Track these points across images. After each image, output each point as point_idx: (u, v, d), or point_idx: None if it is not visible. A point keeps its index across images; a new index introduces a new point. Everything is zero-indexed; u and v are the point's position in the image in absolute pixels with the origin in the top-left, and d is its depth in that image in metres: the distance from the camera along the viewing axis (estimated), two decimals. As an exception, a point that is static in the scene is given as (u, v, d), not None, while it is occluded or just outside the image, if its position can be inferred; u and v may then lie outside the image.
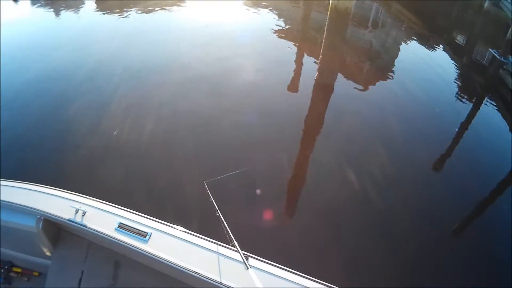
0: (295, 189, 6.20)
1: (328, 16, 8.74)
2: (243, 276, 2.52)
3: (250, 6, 16.26)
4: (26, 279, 3.74)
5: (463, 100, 9.64)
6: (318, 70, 9.00)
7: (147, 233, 2.84)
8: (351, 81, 9.75)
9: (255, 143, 6.96)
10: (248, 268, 2.42)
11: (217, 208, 2.82)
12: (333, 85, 9.07)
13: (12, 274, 3.74)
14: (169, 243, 2.79)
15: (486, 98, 10.09)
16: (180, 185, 5.97)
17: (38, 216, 3.20)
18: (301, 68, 10.25)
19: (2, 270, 3.69)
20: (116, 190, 5.77)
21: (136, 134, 7.06)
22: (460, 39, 15.07)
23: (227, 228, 2.60)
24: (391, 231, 5.40)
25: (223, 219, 2.69)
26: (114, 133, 6.98)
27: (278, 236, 5.20)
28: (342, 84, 9.52)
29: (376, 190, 6.04)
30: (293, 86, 9.18)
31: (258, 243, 4.48)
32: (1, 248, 3.75)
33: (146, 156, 6.57)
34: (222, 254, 2.68)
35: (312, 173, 6.56)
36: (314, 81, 9.18)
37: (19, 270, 3.74)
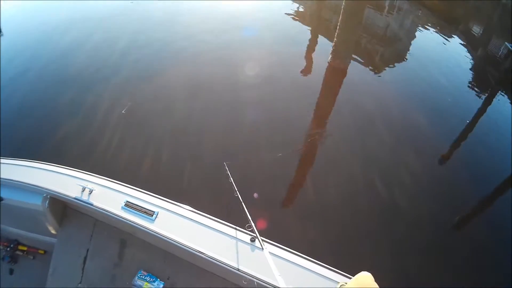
0: (310, 178, 6.15)
1: (344, -1, 8.58)
2: (252, 257, 2.54)
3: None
4: (32, 257, 3.78)
5: (476, 92, 9.57)
6: (332, 53, 8.87)
7: (154, 212, 2.83)
8: (365, 66, 9.68)
9: (262, 128, 6.90)
10: (262, 249, 2.41)
11: (236, 189, 2.80)
12: (347, 68, 8.96)
13: (18, 252, 3.78)
14: (176, 222, 2.78)
15: (499, 92, 10.02)
16: (195, 165, 5.90)
17: (45, 195, 3.22)
18: (314, 50, 10.20)
19: (8, 249, 3.73)
20: (125, 168, 5.72)
21: (147, 112, 7.00)
22: (476, 30, 14.88)
23: (245, 208, 2.59)
24: (392, 222, 5.39)
25: (241, 200, 2.68)
26: (123, 111, 6.84)
27: (293, 224, 5.17)
28: (356, 67, 9.43)
29: (383, 184, 5.98)
30: (307, 68, 9.13)
31: (273, 230, 4.47)
32: (7, 227, 3.80)
33: (157, 135, 6.48)
34: (231, 236, 2.66)
35: (327, 161, 6.50)
36: (327, 64, 9.07)
37: (25, 248, 3.77)
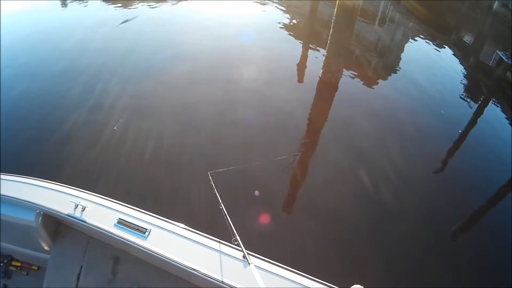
0: (298, 187, 6.20)
1: (335, 13, 8.61)
2: (243, 274, 2.54)
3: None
4: (26, 273, 3.77)
5: (469, 101, 9.63)
6: (323, 68, 8.93)
7: (147, 229, 2.84)
8: (357, 79, 9.73)
9: (255, 139, 6.97)
10: (249, 264, 2.46)
11: (220, 201, 2.84)
12: (338, 83, 9.02)
13: (11, 268, 3.77)
14: (169, 239, 2.80)
15: (491, 100, 10.07)
16: (183, 179, 5.95)
17: (38, 211, 3.21)
18: (305, 64, 10.26)
19: (2, 264, 3.72)
20: (116, 185, 5.75)
21: (137, 129, 7.03)
22: (468, 38, 15.02)
23: (230, 222, 2.62)
24: (391, 231, 5.42)
25: (226, 213, 2.72)
26: (115, 128, 6.91)
27: (281, 235, 5.19)
28: (348, 81, 9.49)
29: (377, 191, 6.05)
30: (299, 82, 9.22)
31: (261, 242, 4.61)
32: (1, 242, 3.76)
33: (147, 150, 6.53)
34: (222, 252, 2.67)
35: (316, 171, 6.55)
36: (318, 79, 9.14)
37: (18, 264, 3.77)
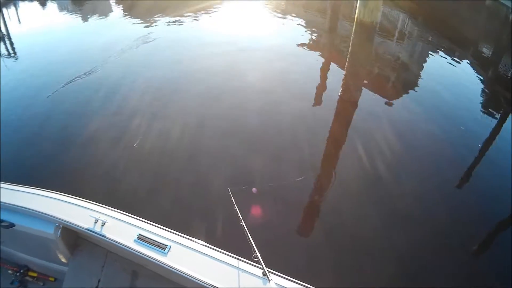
0: (318, 208, 6.40)
1: (353, 30, 8.80)
2: None
3: (275, 15, 16.63)
4: (42, 283, 3.89)
5: (488, 115, 9.70)
6: (342, 86, 9.13)
7: (167, 245, 2.86)
8: (377, 95, 9.92)
9: (276, 158, 7.21)
10: (269, 280, 2.46)
11: (241, 218, 2.89)
12: (357, 101, 9.24)
13: (27, 278, 3.89)
14: (189, 256, 2.81)
15: (511, 114, 10.11)
16: (203, 196, 6.18)
17: (57, 224, 3.28)
18: (326, 83, 10.45)
19: (18, 274, 3.85)
20: (137, 201, 6.00)
21: (158, 145, 7.38)
22: (486, 51, 15.03)
23: (251, 238, 2.64)
24: (417, 258, 5.47)
25: (246, 229, 2.75)
26: (134, 145, 7.18)
27: (300, 253, 5.32)
28: (368, 98, 9.70)
29: (397, 208, 6.22)
30: (317, 101, 9.46)
31: (280, 260, 4.73)
32: (18, 252, 3.91)
33: (168, 167, 6.85)
34: (241, 269, 2.68)
35: (336, 190, 6.71)
36: (338, 97, 9.37)
37: (35, 274, 3.89)
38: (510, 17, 16.22)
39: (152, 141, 7.48)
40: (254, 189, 5.98)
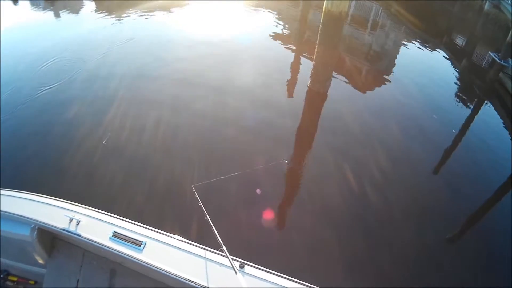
0: (287, 194, 6.19)
1: (321, 20, 8.53)
2: (234, 283, 2.54)
3: (249, 8, 16.36)
4: (22, 287, 3.75)
5: (463, 103, 9.60)
6: (311, 77, 8.88)
7: (142, 241, 2.83)
8: (349, 85, 9.68)
9: (246, 149, 6.97)
10: (236, 272, 2.48)
11: (206, 213, 2.86)
12: (327, 92, 8.97)
13: (8, 283, 3.75)
14: (164, 251, 2.79)
15: (485, 102, 10.04)
16: (172, 191, 5.96)
17: (33, 226, 3.19)
18: (297, 73, 10.19)
19: None
20: (110, 198, 5.74)
21: (126, 142, 7.07)
22: (460, 41, 15.03)
23: (216, 233, 2.67)
24: (388, 235, 5.40)
25: (212, 224, 2.75)
26: (103, 142, 6.95)
27: (270, 241, 5.24)
28: (339, 89, 9.43)
29: (374, 195, 6.02)
30: (289, 92, 9.14)
31: (250, 249, 4.70)
32: None
33: (138, 161, 6.60)
34: (216, 262, 2.68)
35: (306, 178, 6.56)
36: (307, 89, 9.10)
37: (15, 278, 3.75)
38: (484, 7, 16.17)
39: (125, 138, 7.18)
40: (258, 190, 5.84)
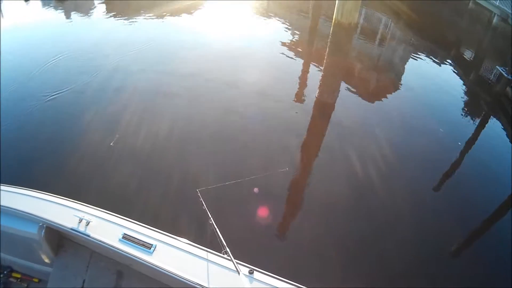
0: (292, 202, 6.31)
1: (331, 31, 8.64)
2: (240, 286, 2.57)
3: (260, 16, 16.50)
4: (26, 285, 3.76)
5: (469, 117, 9.65)
6: (319, 88, 8.96)
7: (152, 244, 2.84)
8: (356, 96, 9.77)
9: (252, 157, 7.07)
10: (239, 273, 2.53)
11: (210, 216, 2.87)
12: (334, 103, 9.06)
13: (11, 279, 3.76)
14: (174, 255, 2.80)
15: (492, 117, 10.06)
16: (180, 195, 6.05)
17: (41, 224, 3.21)
18: (306, 83, 10.29)
19: (2, 275, 3.71)
20: (121, 200, 5.81)
21: (138, 145, 7.16)
22: (467, 54, 15.02)
23: (220, 236, 2.69)
24: (390, 250, 5.42)
25: (216, 227, 2.76)
26: (111, 144, 7.05)
27: (276, 247, 5.35)
28: (346, 100, 9.52)
29: (376, 208, 6.10)
30: (297, 101, 9.26)
31: (256, 255, 4.73)
32: (1, 254, 3.77)
33: (146, 165, 6.71)
34: (224, 266, 2.69)
35: (311, 187, 6.67)
36: (315, 99, 9.20)
37: (18, 275, 3.76)
38: (493, 21, 16.18)
39: (134, 142, 7.27)
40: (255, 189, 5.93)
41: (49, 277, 3.50)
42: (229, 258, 2.65)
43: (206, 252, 2.81)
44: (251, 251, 4.84)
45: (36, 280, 3.74)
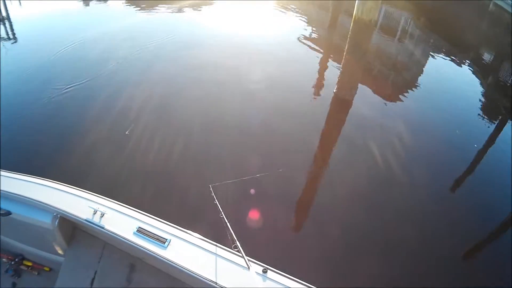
0: (304, 201, 6.28)
1: (351, 27, 8.62)
2: (252, 283, 2.58)
3: (279, 11, 16.51)
4: (37, 273, 3.80)
5: (486, 120, 9.58)
6: (338, 83, 9.01)
7: (167, 239, 2.84)
8: (374, 94, 9.80)
9: (265, 152, 7.10)
10: (248, 268, 2.54)
11: (221, 210, 2.90)
12: (352, 100, 9.07)
13: (22, 267, 3.81)
14: (188, 250, 2.80)
15: (509, 121, 9.99)
16: (194, 190, 6.00)
17: (55, 214, 3.22)
18: (323, 78, 10.34)
19: (12, 262, 3.77)
20: (136, 194, 5.84)
21: (153, 137, 7.22)
22: (486, 57, 14.90)
23: (232, 233, 2.70)
24: (403, 252, 5.45)
25: (227, 222, 2.79)
26: (126, 133, 7.10)
27: (288, 246, 5.30)
28: (364, 97, 9.54)
29: (390, 209, 6.12)
30: (314, 96, 9.32)
31: (268, 254, 4.64)
32: (13, 241, 3.84)
33: (165, 155, 6.73)
34: (239, 264, 2.68)
35: (325, 187, 6.65)
36: (332, 94, 9.19)
37: (29, 264, 3.81)
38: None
39: (153, 133, 7.33)
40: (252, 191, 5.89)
41: (61, 267, 3.53)
42: (240, 255, 2.66)
43: (220, 248, 2.82)
44: (264, 249, 4.84)
45: (47, 269, 3.79)
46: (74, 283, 3.41)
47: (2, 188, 3.29)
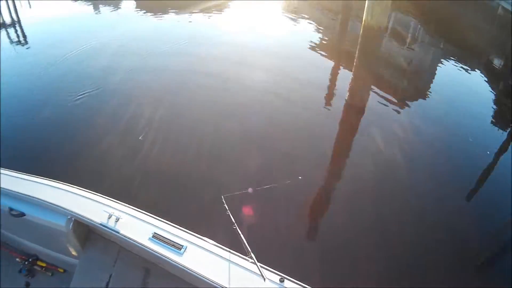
0: (317, 210, 6.31)
1: (360, 33, 8.63)
2: None
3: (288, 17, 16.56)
4: (50, 274, 3.83)
5: (498, 128, 9.58)
6: (349, 90, 9.03)
7: (183, 245, 2.85)
8: (385, 101, 9.74)
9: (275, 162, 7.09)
10: (264, 278, 2.53)
11: (233, 221, 2.88)
12: (364, 106, 9.08)
13: (36, 267, 3.84)
14: (204, 257, 2.80)
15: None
16: (209, 199, 5.92)
17: (69, 217, 3.24)
18: (334, 85, 10.38)
19: (26, 262, 3.80)
20: (152, 199, 5.88)
21: (168, 144, 7.29)
22: (497, 62, 14.82)
23: (245, 242, 2.71)
24: (417, 263, 5.42)
25: (240, 232, 2.77)
26: (140, 138, 7.17)
27: (303, 255, 5.30)
28: (375, 103, 9.52)
29: (402, 218, 6.11)
30: (326, 103, 9.33)
31: (284, 262, 4.72)
32: (27, 241, 3.89)
33: (180, 162, 6.80)
34: (254, 272, 2.66)
35: (340, 194, 6.68)
36: (344, 102, 9.21)
37: (43, 264, 3.84)
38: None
39: (166, 138, 7.40)
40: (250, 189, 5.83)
41: (75, 269, 3.55)
42: (254, 262, 2.67)
43: (235, 256, 2.81)
44: (279, 258, 4.75)
45: (61, 270, 3.82)
46: (89, 284, 3.45)
47: (17, 190, 3.34)
